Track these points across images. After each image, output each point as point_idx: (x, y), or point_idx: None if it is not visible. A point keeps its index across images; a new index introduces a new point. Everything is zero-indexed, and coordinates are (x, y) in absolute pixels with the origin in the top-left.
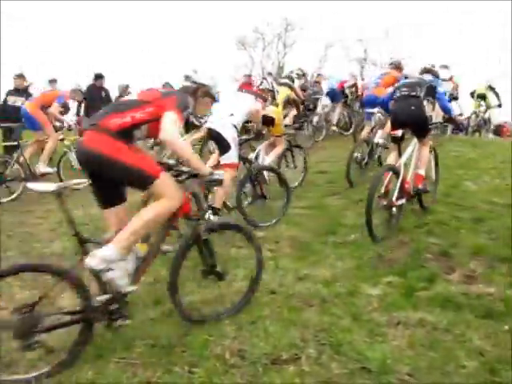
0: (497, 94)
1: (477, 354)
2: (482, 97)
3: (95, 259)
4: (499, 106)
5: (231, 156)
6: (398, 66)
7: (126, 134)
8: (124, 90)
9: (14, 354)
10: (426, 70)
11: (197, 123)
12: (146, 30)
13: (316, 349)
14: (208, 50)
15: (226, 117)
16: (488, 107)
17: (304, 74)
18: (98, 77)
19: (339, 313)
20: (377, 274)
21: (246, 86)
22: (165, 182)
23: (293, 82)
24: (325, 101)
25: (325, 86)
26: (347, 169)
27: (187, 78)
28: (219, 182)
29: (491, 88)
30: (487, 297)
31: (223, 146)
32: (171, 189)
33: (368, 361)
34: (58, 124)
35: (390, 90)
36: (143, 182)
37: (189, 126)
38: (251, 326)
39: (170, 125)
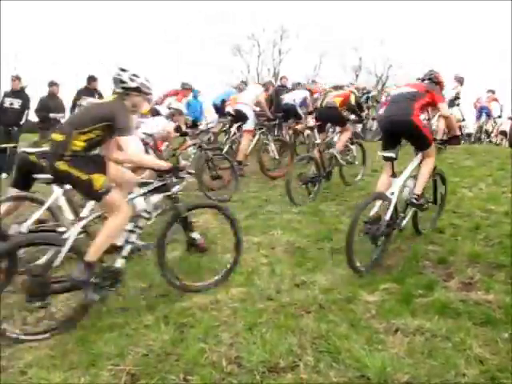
0: None
1: (477, 361)
2: None
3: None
4: None
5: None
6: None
7: None
8: None
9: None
10: None
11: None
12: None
13: (314, 356)
14: (204, 57)
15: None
16: None
17: None
18: (91, 79)
19: (337, 320)
20: (374, 281)
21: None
22: None
23: None
24: None
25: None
26: None
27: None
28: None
29: None
30: (486, 304)
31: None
32: None
33: (367, 369)
34: None
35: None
36: None
37: None
38: (248, 332)
39: None
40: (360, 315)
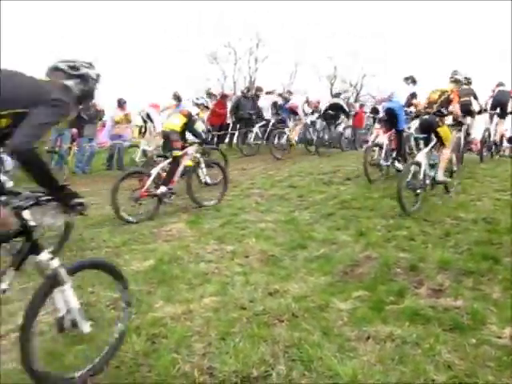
0: None
1: (445, 367)
2: None
3: None
4: None
5: None
6: None
7: None
8: None
9: None
10: None
11: None
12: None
13: (286, 365)
14: (179, 64)
15: None
16: None
17: None
18: None
19: (309, 328)
20: (347, 289)
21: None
22: None
23: None
24: None
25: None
26: None
27: None
28: None
29: None
30: (454, 310)
31: None
32: None
33: (338, 376)
34: None
35: None
36: None
37: None
38: (220, 342)
39: None
40: (332, 323)
